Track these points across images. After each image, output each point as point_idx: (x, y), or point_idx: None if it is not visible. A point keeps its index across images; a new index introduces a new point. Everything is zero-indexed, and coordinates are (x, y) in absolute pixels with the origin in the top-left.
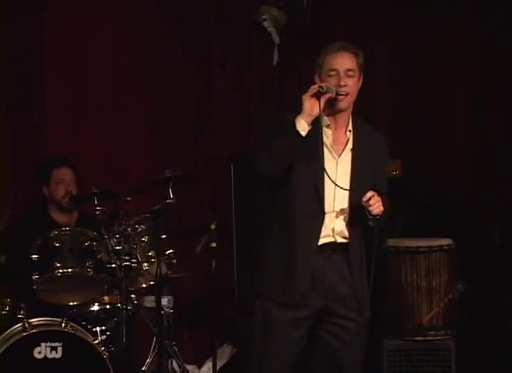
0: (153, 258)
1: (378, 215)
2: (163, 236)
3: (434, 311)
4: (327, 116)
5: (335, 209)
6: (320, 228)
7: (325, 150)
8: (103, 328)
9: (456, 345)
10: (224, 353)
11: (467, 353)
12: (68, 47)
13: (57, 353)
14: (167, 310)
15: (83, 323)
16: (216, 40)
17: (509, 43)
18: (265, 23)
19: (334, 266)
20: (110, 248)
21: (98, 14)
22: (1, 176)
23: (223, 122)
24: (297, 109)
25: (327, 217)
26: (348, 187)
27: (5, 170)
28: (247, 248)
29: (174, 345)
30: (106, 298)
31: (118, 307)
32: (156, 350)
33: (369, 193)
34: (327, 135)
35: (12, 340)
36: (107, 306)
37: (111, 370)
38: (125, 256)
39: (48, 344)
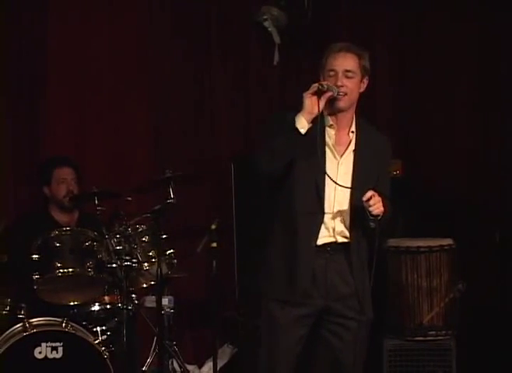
0: (154, 258)
1: (378, 216)
2: (164, 236)
3: (435, 311)
4: (329, 115)
5: (335, 209)
6: (320, 226)
7: (327, 150)
8: (104, 328)
9: (456, 345)
10: (225, 353)
11: (467, 353)
12: (69, 46)
13: (57, 353)
14: (168, 310)
15: (84, 323)
16: (217, 40)
17: (510, 44)
18: (266, 23)
19: (336, 267)
20: (111, 248)
21: (99, 14)
22: (2, 175)
23: (224, 122)
24: (298, 108)
25: (327, 216)
26: (348, 189)
27: (6, 170)
28: (248, 248)
29: (175, 345)
30: (106, 297)
31: (119, 307)
32: (157, 350)
33: (369, 193)
34: (330, 135)
35: (12, 340)
36: (108, 306)
37: (112, 370)
38: (126, 256)
39: (49, 344)
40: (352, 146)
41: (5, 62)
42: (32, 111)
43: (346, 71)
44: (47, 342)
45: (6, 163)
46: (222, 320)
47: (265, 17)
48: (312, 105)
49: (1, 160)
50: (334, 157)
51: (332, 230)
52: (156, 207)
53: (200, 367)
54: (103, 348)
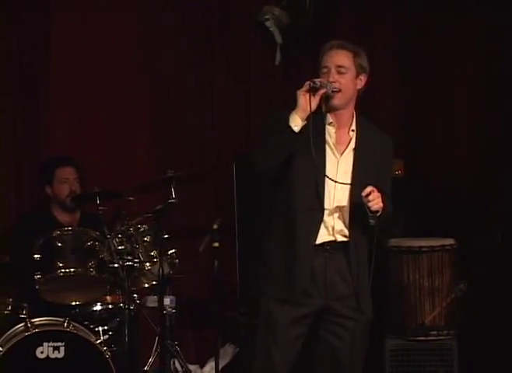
0: (156, 258)
1: (378, 212)
2: (166, 236)
3: (436, 311)
4: (329, 113)
5: (335, 208)
6: (319, 225)
7: (327, 148)
8: (106, 328)
9: (458, 345)
10: (226, 353)
11: (469, 353)
12: (71, 46)
13: (59, 352)
14: (170, 310)
15: (85, 323)
16: (219, 40)
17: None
18: (268, 23)
19: (335, 266)
20: (113, 248)
21: (102, 13)
22: (3, 175)
23: (226, 122)
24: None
25: (326, 215)
26: (348, 187)
27: (7, 170)
28: (250, 248)
29: (177, 345)
30: (108, 297)
31: (121, 307)
32: (159, 349)
33: (369, 188)
34: (330, 133)
35: (14, 340)
36: (110, 306)
37: (114, 370)
38: (128, 255)
39: (50, 344)
40: (353, 145)
41: (7, 61)
42: (33, 111)
43: (338, 66)
44: (48, 342)
45: (7, 163)
46: (223, 320)
47: (267, 17)
48: (306, 103)
49: (3, 160)
50: (334, 155)
51: (332, 229)
52: (158, 207)
53: (202, 366)
54: (105, 348)
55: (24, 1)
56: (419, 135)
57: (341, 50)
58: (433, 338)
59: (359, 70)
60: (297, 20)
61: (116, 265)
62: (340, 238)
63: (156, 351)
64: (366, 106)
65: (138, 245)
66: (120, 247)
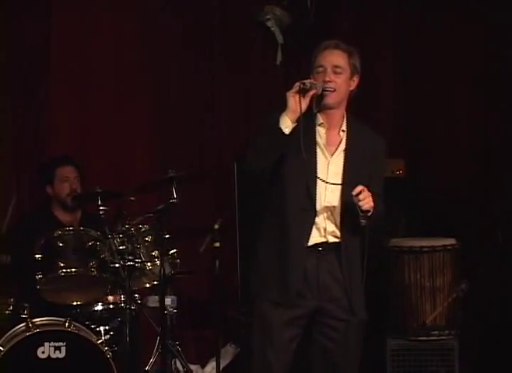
0: (157, 258)
1: (369, 211)
2: (167, 236)
3: (438, 311)
4: (319, 114)
5: (326, 209)
6: (311, 225)
7: (318, 149)
8: (107, 328)
9: (459, 345)
10: (227, 353)
11: (470, 353)
12: (72, 46)
13: (60, 352)
14: (171, 310)
15: (87, 323)
16: (219, 40)
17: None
18: (269, 23)
19: (327, 267)
20: (114, 248)
21: (102, 14)
22: (4, 176)
23: (227, 122)
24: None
25: (318, 216)
26: (339, 188)
27: (8, 170)
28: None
29: (178, 345)
30: (109, 297)
31: (122, 307)
32: (160, 349)
33: (359, 188)
34: (321, 134)
35: (15, 340)
36: (111, 306)
37: (115, 370)
38: (129, 255)
39: (52, 344)
40: (343, 145)
41: (7, 61)
42: (33, 111)
43: (335, 66)
44: (50, 342)
45: (8, 163)
46: (224, 320)
47: (268, 17)
48: (296, 104)
49: (3, 160)
50: (325, 156)
51: (323, 230)
52: (159, 207)
53: (203, 366)
54: (106, 348)
55: (24, 1)
56: (419, 135)
57: (337, 50)
58: (434, 338)
59: (353, 70)
60: (298, 20)
61: (117, 265)
62: (332, 240)
63: (157, 351)
64: (366, 106)
65: (140, 245)
66: (121, 247)
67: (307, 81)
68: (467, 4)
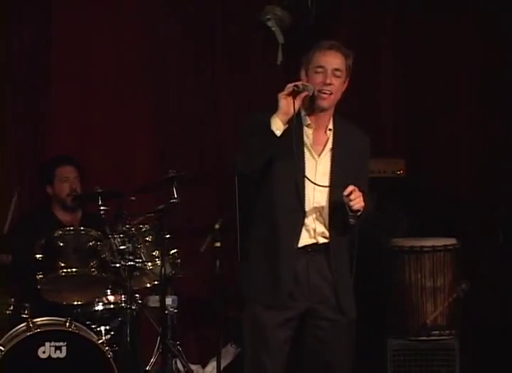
0: (157, 258)
1: (359, 211)
2: (167, 236)
3: (438, 310)
4: (309, 115)
5: (315, 210)
6: (301, 227)
7: (305, 150)
8: (108, 327)
9: (460, 345)
10: (228, 353)
11: (471, 353)
12: (72, 46)
13: (61, 352)
14: (171, 310)
15: (87, 323)
16: (220, 40)
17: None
18: (269, 23)
19: (317, 267)
20: (115, 247)
21: (103, 13)
22: (5, 175)
23: (228, 121)
24: (275, 108)
25: (307, 217)
26: (327, 188)
27: (9, 170)
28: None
29: (178, 345)
30: (110, 297)
31: (122, 306)
32: (160, 349)
33: (350, 187)
34: (308, 135)
35: (16, 340)
36: (111, 306)
37: (115, 369)
38: (129, 255)
39: (52, 344)
40: (330, 145)
41: (8, 61)
42: (35, 111)
43: (335, 69)
44: (50, 341)
45: (9, 163)
46: (225, 320)
47: (269, 17)
48: (287, 106)
49: (4, 160)
50: (313, 157)
51: (313, 231)
52: (160, 207)
53: (203, 366)
54: (107, 348)
55: (25, 1)
56: (420, 135)
57: (338, 53)
58: (435, 338)
59: (348, 73)
60: (299, 20)
61: (118, 265)
62: (321, 240)
63: (157, 351)
64: (367, 106)
65: (140, 245)
66: (121, 247)
67: (300, 83)
68: (467, 4)
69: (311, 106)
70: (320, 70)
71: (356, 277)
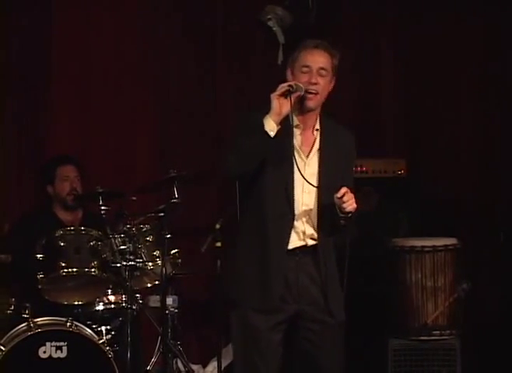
0: (158, 257)
1: (350, 213)
2: (168, 236)
3: (439, 310)
4: (296, 116)
5: (304, 212)
6: (290, 230)
7: (294, 151)
8: (108, 327)
9: (461, 345)
10: (229, 353)
11: (472, 353)
12: (73, 45)
13: (62, 352)
14: (172, 310)
15: (88, 323)
16: (221, 40)
17: None
18: (270, 23)
19: (306, 269)
20: (115, 247)
21: (103, 13)
22: (7, 176)
23: (228, 121)
24: (265, 109)
25: (296, 220)
26: (316, 190)
27: (9, 170)
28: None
29: (179, 344)
30: (111, 297)
31: (123, 306)
32: (161, 349)
33: (344, 189)
34: (296, 136)
35: (16, 340)
36: (112, 306)
37: (116, 369)
38: (130, 255)
39: (53, 344)
40: (317, 145)
41: (8, 61)
42: (35, 111)
43: (321, 68)
44: (51, 341)
45: (10, 163)
46: (226, 320)
47: (269, 17)
48: (281, 106)
49: (5, 160)
50: (301, 158)
51: (302, 233)
52: (161, 207)
53: (204, 366)
54: (108, 348)
55: (25, 1)
56: (421, 135)
57: (324, 52)
58: (436, 338)
59: (334, 73)
60: (300, 20)
61: (118, 265)
62: (310, 242)
63: (158, 351)
64: (368, 107)
65: (141, 244)
66: (122, 247)
67: (293, 83)
68: (468, 4)
69: (298, 106)
70: (305, 69)
71: (357, 277)
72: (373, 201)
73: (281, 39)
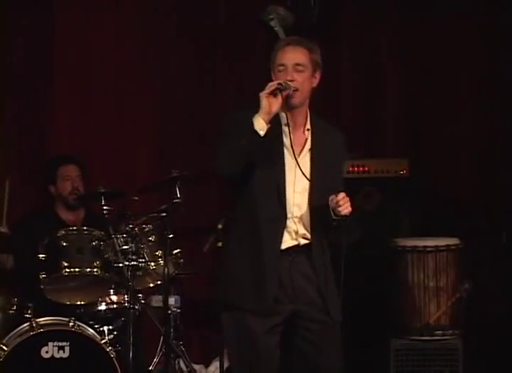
0: (160, 257)
1: (345, 216)
2: (170, 236)
3: (441, 310)
4: (284, 114)
5: (295, 212)
6: (283, 231)
7: (285, 150)
8: (111, 327)
9: (463, 345)
10: None
11: (474, 353)
12: (74, 46)
13: (64, 352)
14: (174, 309)
15: (90, 323)
16: (223, 39)
17: None
18: (272, 23)
19: (300, 268)
20: (118, 247)
21: (104, 14)
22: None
23: None
24: (255, 108)
25: (288, 220)
26: (307, 189)
27: (11, 170)
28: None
29: (181, 344)
30: (113, 297)
31: (125, 306)
32: (163, 349)
33: (341, 195)
34: (286, 134)
35: (19, 340)
36: (115, 306)
37: (118, 369)
38: (132, 255)
39: (55, 344)
40: (308, 145)
41: (9, 61)
42: (36, 111)
43: (296, 64)
44: (53, 341)
45: (12, 163)
46: None
47: (272, 16)
48: (270, 105)
49: (7, 160)
50: (292, 158)
51: (295, 233)
52: (163, 207)
53: (206, 366)
54: (110, 348)
55: (26, 1)
56: (423, 135)
57: (298, 47)
58: (438, 338)
59: (315, 67)
60: (302, 20)
61: (121, 265)
62: (303, 242)
63: (160, 351)
64: (370, 106)
65: (143, 244)
66: (124, 247)
67: (283, 81)
68: (469, 3)
69: (286, 105)
70: (281, 68)
71: (359, 277)
72: (375, 201)
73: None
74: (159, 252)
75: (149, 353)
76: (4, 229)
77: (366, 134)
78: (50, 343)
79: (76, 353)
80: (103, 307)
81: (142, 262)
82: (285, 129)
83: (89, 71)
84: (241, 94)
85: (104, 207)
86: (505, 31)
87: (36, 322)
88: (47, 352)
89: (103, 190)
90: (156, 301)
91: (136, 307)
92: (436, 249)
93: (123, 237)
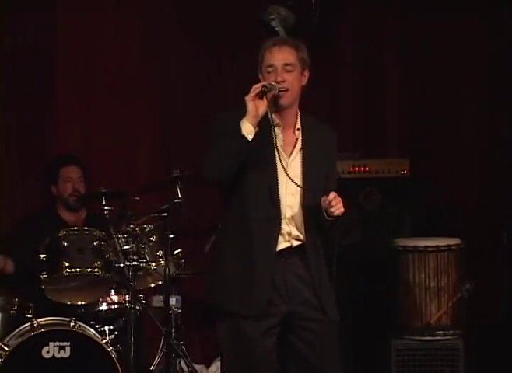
0: (161, 257)
1: (338, 216)
2: (171, 236)
3: (442, 310)
4: (274, 114)
5: (288, 214)
6: (278, 234)
7: (275, 152)
8: (112, 327)
9: (464, 345)
10: None
11: (475, 353)
12: (76, 46)
13: (65, 352)
14: (175, 310)
15: (91, 323)
16: (225, 40)
17: None
18: (273, 23)
19: (294, 269)
20: (119, 247)
21: (105, 14)
22: (9, 176)
23: None
24: (243, 109)
25: (282, 221)
26: (299, 190)
27: (13, 170)
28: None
29: (182, 344)
30: (114, 297)
31: (126, 306)
32: (164, 349)
33: (332, 195)
34: (277, 135)
35: (20, 340)
36: (115, 306)
37: (119, 369)
38: (133, 255)
39: (56, 344)
40: (299, 145)
41: (12, 62)
42: (39, 111)
43: (285, 64)
44: (54, 341)
45: (13, 163)
46: None
47: (273, 17)
48: (257, 108)
49: (9, 160)
50: (283, 158)
51: (288, 235)
52: (164, 207)
53: (207, 366)
54: (111, 348)
55: (29, 2)
56: (424, 135)
57: (285, 47)
58: (439, 338)
59: (303, 65)
60: (303, 20)
61: (122, 265)
62: (295, 243)
63: (161, 351)
64: (371, 106)
65: (144, 245)
66: (125, 247)
67: (267, 83)
68: (469, 3)
69: (273, 105)
70: (270, 69)
71: (360, 277)
72: (376, 201)
73: None
74: (160, 253)
75: (150, 354)
76: None
77: (366, 135)
78: (51, 343)
79: (77, 353)
80: (104, 307)
81: (142, 262)
82: (276, 130)
83: (90, 71)
84: (241, 94)
85: (105, 207)
86: (505, 31)
87: (37, 322)
88: (47, 352)
89: (104, 190)
90: (157, 301)
91: (137, 307)
92: (437, 249)
93: (124, 237)
